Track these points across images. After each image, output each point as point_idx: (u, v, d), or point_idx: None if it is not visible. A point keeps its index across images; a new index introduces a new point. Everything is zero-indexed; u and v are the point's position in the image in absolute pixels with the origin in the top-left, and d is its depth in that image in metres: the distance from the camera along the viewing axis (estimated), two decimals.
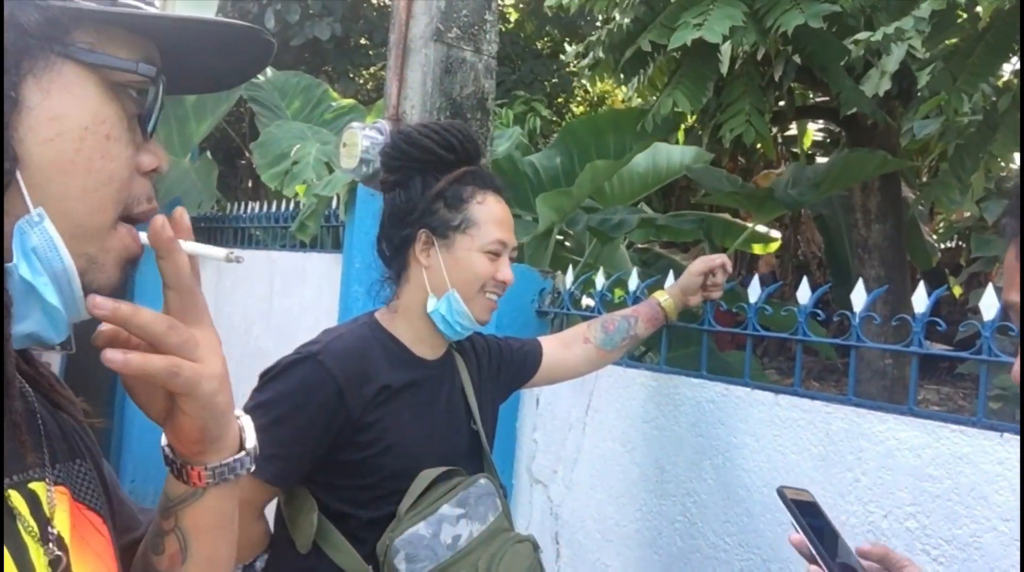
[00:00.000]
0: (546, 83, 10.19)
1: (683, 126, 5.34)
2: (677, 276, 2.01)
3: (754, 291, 1.90)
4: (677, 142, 5.89)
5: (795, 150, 9.18)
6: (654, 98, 3.38)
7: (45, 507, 0.61)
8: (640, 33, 2.56)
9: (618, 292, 2.48)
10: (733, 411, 1.88)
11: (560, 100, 10.89)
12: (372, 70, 10.04)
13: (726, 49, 3.25)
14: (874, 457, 1.60)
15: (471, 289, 1.49)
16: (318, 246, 3.54)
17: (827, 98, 5.90)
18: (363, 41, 9.25)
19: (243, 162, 8.64)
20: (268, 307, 3.88)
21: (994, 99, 2.41)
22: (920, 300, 1.58)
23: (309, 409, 1.38)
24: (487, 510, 1.47)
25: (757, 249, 5.42)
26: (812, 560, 1.03)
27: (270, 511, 1.48)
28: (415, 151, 1.48)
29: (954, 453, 1.48)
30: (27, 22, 0.56)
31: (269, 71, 4.99)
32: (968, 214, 5.53)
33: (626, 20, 2.69)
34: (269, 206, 4.07)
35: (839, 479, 1.66)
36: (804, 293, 1.80)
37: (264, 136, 3.91)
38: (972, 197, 2.38)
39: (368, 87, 9.97)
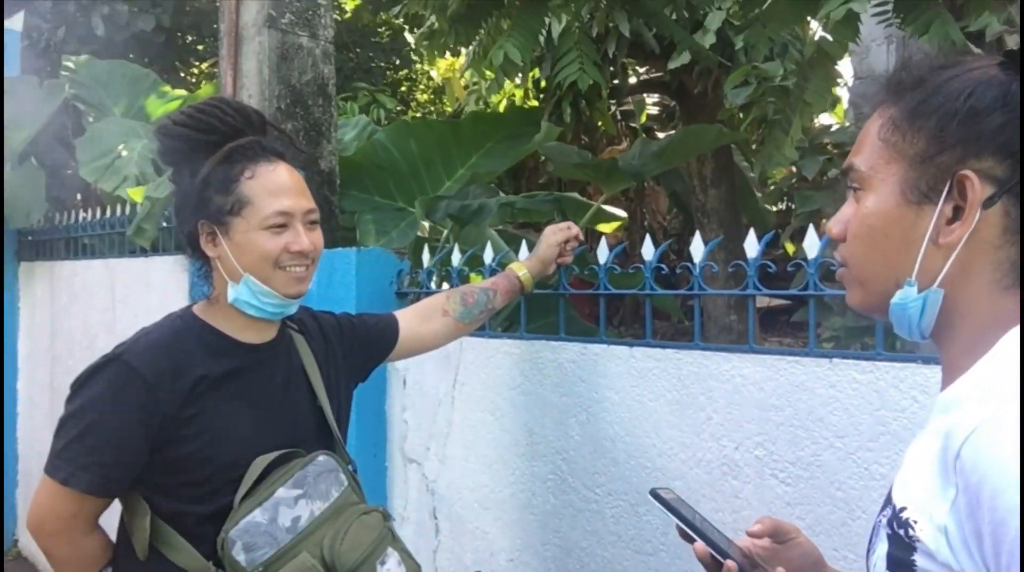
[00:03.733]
0: (388, 73, 10.11)
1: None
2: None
3: (603, 253, 1.98)
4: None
5: (633, 125, 9.53)
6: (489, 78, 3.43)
7: None
8: None
9: (473, 276, 2.53)
10: (592, 368, 1.96)
11: (404, 89, 10.83)
12: (204, 65, 9.64)
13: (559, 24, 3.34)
14: (723, 395, 1.72)
15: (265, 270, 1.42)
16: (159, 250, 3.39)
17: (660, 73, 6.19)
18: (191, 36, 8.86)
19: (71, 173, 8.11)
20: (111, 318, 3.69)
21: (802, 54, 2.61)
22: (751, 246, 1.71)
23: (120, 412, 1.33)
24: (329, 486, 1.44)
25: (604, 227, 5.65)
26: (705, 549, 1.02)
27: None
28: (174, 142, 1.41)
29: (792, 382, 1.61)
30: None
31: (87, 62, 4.69)
32: (787, 172, 5.94)
33: None
34: (103, 213, 3.85)
35: (693, 419, 1.77)
36: (648, 250, 1.90)
37: (89, 132, 3.69)
38: (791, 145, 2.56)
39: (199, 82, 9.55)
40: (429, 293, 2.39)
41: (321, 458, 1.46)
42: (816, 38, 2.42)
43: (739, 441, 1.70)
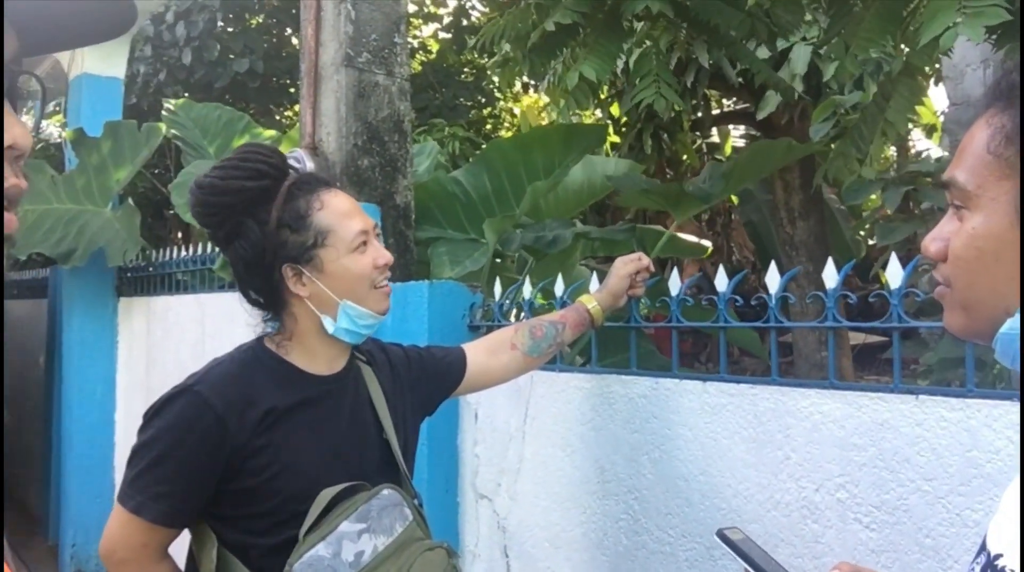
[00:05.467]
0: (470, 111, 10.27)
1: (608, 136, 5.40)
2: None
3: (675, 284, 1.93)
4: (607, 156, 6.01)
5: (718, 157, 9.40)
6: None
7: None
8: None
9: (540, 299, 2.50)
10: (664, 403, 1.90)
11: (488, 127, 10.98)
12: (296, 108, 10.00)
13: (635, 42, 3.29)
14: (801, 433, 1.63)
15: (361, 291, 1.45)
16: None
17: (745, 104, 6.09)
18: (285, 80, 9.22)
19: (172, 212, 8.51)
20: (201, 351, 3.81)
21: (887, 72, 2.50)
22: (830, 276, 1.63)
23: (190, 442, 1.34)
24: (393, 521, 1.42)
25: (690, 258, 5.53)
26: None
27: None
28: (228, 198, 1.40)
29: (875, 420, 1.52)
30: None
31: (185, 104, 4.91)
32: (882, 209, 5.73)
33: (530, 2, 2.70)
34: (195, 249, 4.01)
35: (770, 458, 1.68)
36: (722, 281, 1.83)
37: (181, 177, 3.85)
38: (872, 164, 2.45)
39: (291, 124, 9.92)
40: (502, 326, 2.37)
41: (386, 492, 1.44)
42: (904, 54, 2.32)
43: (819, 482, 1.60)
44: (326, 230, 1.42)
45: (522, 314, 2.29)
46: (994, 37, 2.30)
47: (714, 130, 8.88)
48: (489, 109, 10.95)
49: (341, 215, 1.44)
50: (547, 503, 2.18)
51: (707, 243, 4.72)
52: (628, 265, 1.96)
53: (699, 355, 9.88)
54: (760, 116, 4.92)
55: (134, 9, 0.67)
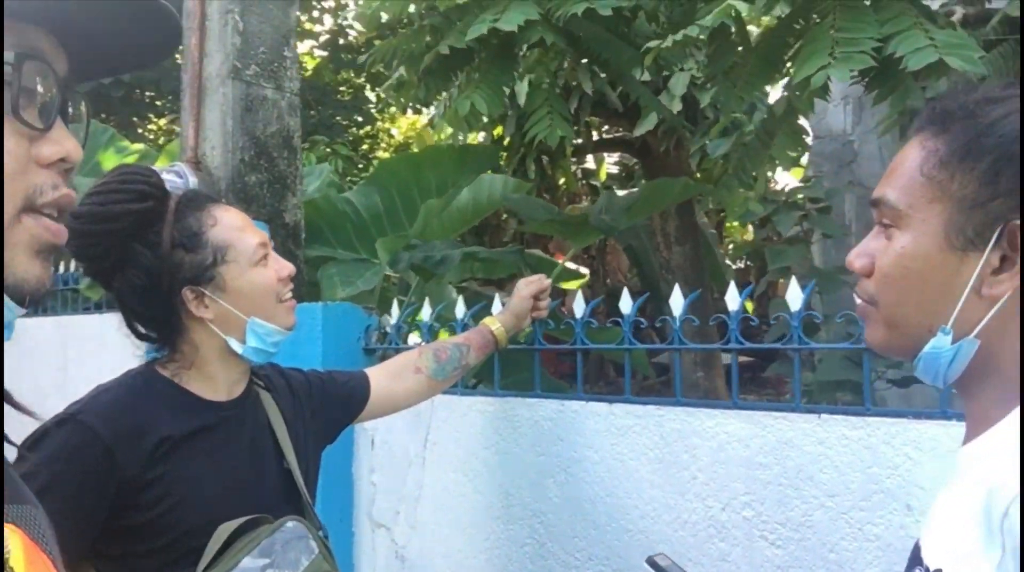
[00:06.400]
0: (349, 132, 10.13)
1: (498, 161, 5.45)
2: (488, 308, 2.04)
3: (579, 307, 1.93)
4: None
5: (594, 183, 9.63)
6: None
7: None
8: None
9: (443, 332, 2.47)
10: (570, 426, 1.90)
11: (365, 147, 10.85)
12: (162, 122, 9.57)
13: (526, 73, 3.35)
14: (707, 453, 1.66)
15: (268, 305, 1.38)
16: (114, 306, 3.27)
17: (623, 132, 6.26)
18: (152, 91, 8.81)
19: None
20: (63, 377, 3.53)
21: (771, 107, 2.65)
22: (732, 299, 1.67)
23: (73, 476, 1.22)
24: (299, 555, 1.34)
25: (567, 285, 5.62)
26: None
27: None
28: (112, 224, 1.29)
29: (779, 439, 1.56)
30: None
31: None
32: (752, 238, 6.01)
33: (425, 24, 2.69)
34: (55, 269, 3.73)
35: (677, 478, 1.71)
36: (626, 304, 1.85)
37: None
38: (756, 197, 2.59)
39: (156, 139, 9.48)
40: (398, 349, 2.31)
41: (290, 524, 1.36)
42: (782, 94, 2.46)
43: (725, 501, 1.63)
44: (224, 246, 1.35)
45: (420, 337, 2.25)
46: (866, 80, 2.45)
47: (589, 156, 9.11)
48: (367, 128, 10.84)
49: (237, 229, 1.38)
50: (449, 530, 2.13)
51: (584, 270, 4.82)
52: (531, 286, 1.95)
53: (576, 374, 10.01)
54: (638, 132, 5.08)
55: (179, 30, 0.69)
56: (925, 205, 0.79)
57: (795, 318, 1.58)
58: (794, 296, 1.59)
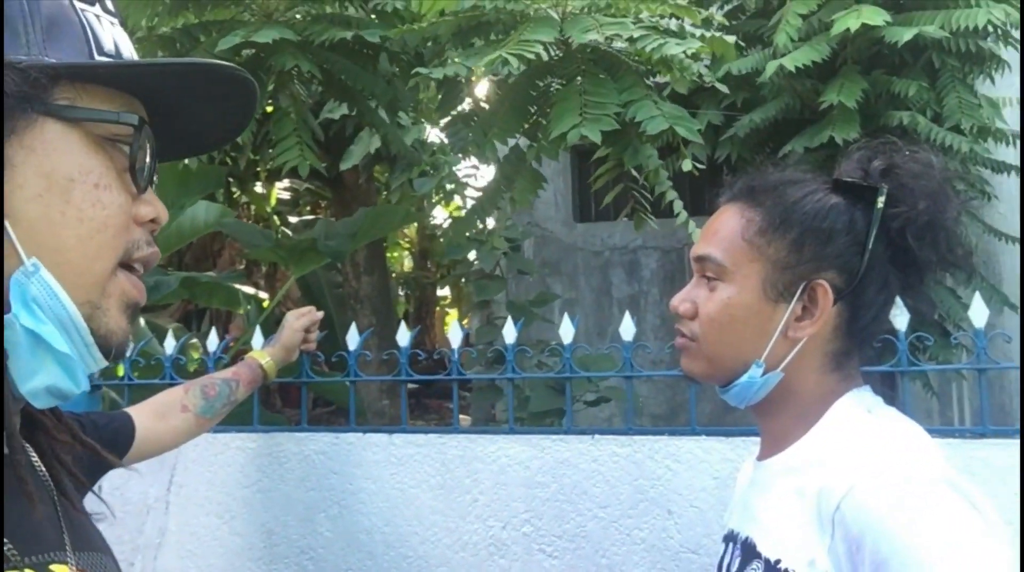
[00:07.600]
0: None
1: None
2: (160, 339, 2.01)
3: (353, 340, 1.97)
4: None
5: (268, 209, 9.40)
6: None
7: None
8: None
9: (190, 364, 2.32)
10: (346, 458, 1.90)
11: None
12: None
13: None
14: (489, 476, 1.78)
15: None
16: None
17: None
18: None
19: None
20: None
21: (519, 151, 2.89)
22: (403, 336, 1.87)
23: None
24: None
25: (238, 309, 5.45)
26: None
27: None
28: None
29: (557, 459, 1.73)
30: (7, 84, 0.57)
31: None
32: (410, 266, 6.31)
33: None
34: None
35: (458, 502, 1.80)
36: (353, 339, 1.94)
37: None
38: (490, 247, 2.81)
39: None
40: (122, 385, 2.14)
41: None
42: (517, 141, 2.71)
43: (506, 520, 1.76)
44: None
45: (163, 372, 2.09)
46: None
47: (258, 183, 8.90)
48: None
49: None
50: None
51: (264, 295, 4.73)
52: (301, 319, 1.93)
53: (274, 404, 9.65)
54: (345, 166, 5.14)
55: (253, 110, 0.72)
56: (747, 264, 1.01)
57: (510, 352, 1.79)
58: (508, 330, 1.80)
